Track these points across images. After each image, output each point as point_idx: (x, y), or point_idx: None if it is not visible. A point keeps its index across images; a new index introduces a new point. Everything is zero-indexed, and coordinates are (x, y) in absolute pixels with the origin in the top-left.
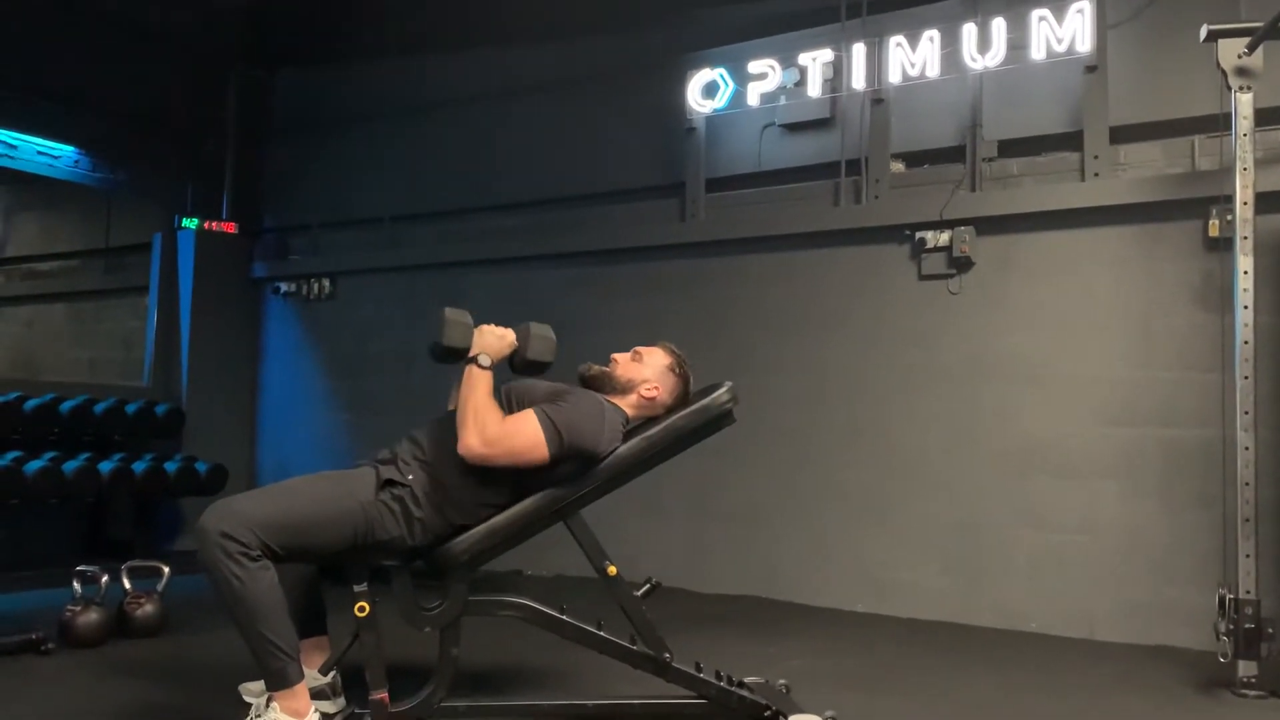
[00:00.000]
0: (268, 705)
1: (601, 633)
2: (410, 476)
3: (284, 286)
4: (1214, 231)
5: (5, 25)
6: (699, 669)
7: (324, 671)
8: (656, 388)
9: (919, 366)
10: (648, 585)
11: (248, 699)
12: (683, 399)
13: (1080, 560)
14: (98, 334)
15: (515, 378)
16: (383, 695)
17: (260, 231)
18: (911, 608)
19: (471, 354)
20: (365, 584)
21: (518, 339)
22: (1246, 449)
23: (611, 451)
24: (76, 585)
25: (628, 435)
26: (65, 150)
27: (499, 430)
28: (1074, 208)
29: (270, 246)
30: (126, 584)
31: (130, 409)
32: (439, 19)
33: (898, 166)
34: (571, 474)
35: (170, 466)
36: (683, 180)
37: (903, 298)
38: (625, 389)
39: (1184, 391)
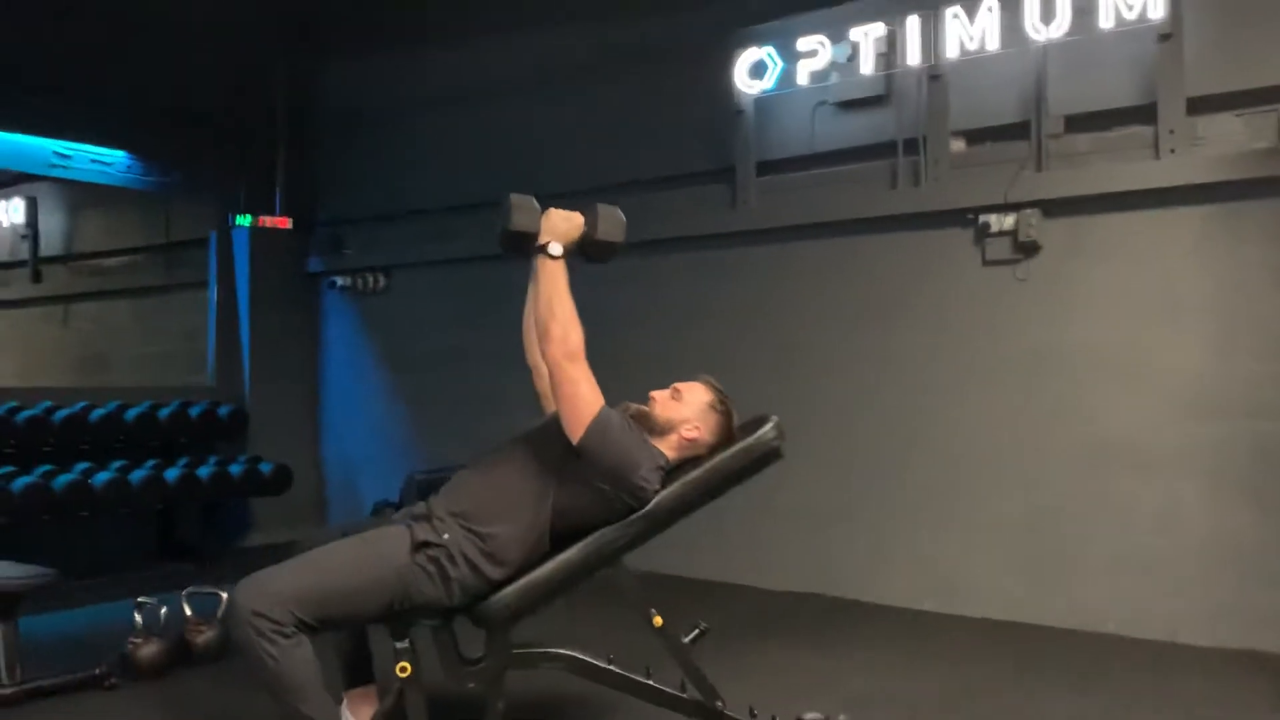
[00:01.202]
0: None
1: (650, 682)
2: (445, 535)
3: (339, 280)
4: None
5: (50, 35)
6: (753, 714)
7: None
8: (698, 428)
9: (984, 357)
10: (696, 631)
11: None
12: (726, 437)
13: (1160, 560)
14: (162, 329)
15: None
16: None
17: (313, 225)
18: (982, 607)
19: (540, 241)
20: (406, 641)
21: (586, 220)
22: None
23: (654, 493)
24: (137, 617)
25: (669, 477)
26: (117, 156)
27: (581, 350)
28: (1148, 188)
29: (324, 241)
30: (187, 611)
31: (194, 412)
32: (482, 3)
33: (958, 145)
34: (606, 511)
35: (235, 469)
36: (732, 164)
37: (966, 285)
38: (665, 430)
39: (1272, 383)
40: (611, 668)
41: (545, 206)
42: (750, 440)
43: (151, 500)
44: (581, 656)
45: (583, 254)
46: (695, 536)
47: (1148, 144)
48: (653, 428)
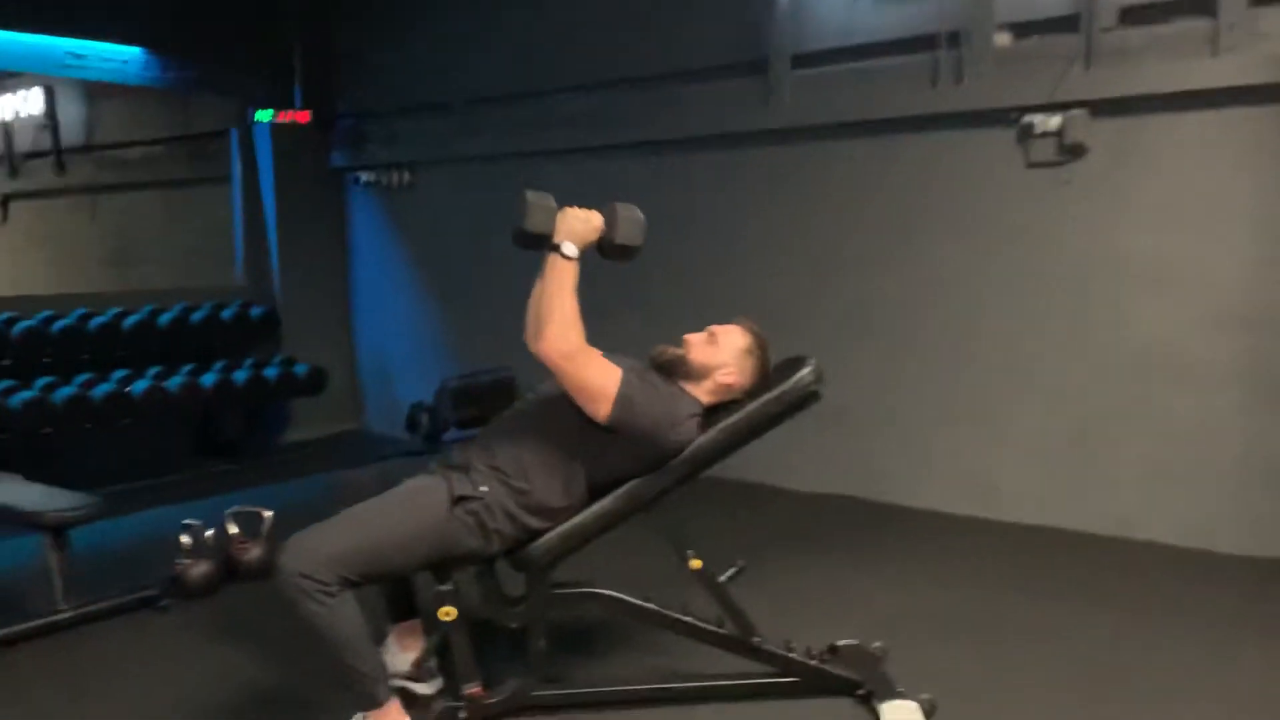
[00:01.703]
0: None
1: (688, 619)
2: (484, 489)
3: (364, 176)
4: None
5: None
6: (789, 648)
7: (416, 669)
8: (734, 373)
9: (1025, 264)
10: (733, 570)
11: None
12: (762, 381)
13: (1199, 469)
14: (190, 224)
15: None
16: (476, 690)
17: (334, 119)
18: (1017, 512)
19: (555, 241)
20: (450, 584)
21: (604, 221)
22: None
23: (687, 443)
24: (184, 538)
25: (705, 422)
26: (133, 52)
27: (580, 348)
28: (1204, 88)
29: (346, 135)
30: (232, 530)
31: (226, 315)
32: None
33: (1003, 39)
34: (642, 465)
35: (270, 373)
36: (765, 56)
37: (1009, 189)
38: (700, 375)
39: None
40: (650, 605)
41: (556, 200)
42: (788, 385)
43: (190, 407)
44: (620, 596)
45: (600, 253)
46: None
47: (1206, 39)
48: (687, 373)
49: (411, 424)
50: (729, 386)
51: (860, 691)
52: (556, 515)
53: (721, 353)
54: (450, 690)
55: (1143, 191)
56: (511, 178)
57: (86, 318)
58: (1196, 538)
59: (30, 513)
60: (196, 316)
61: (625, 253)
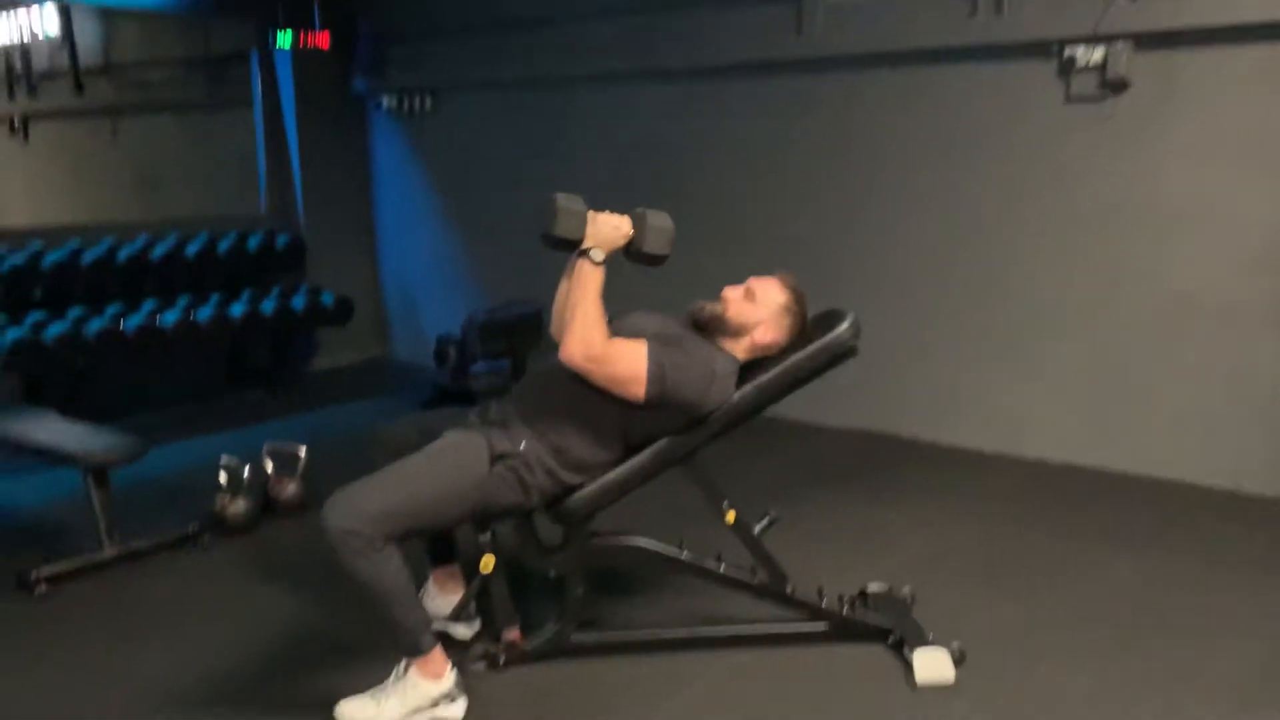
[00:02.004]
0: (405, 670)
1: (721, 569)
2: (522, 445)
3: (385, 102)
4: None
5: None
6: (821, 595)
7: (456, 614)
8: (772, 330)
9: (1062, 202)
10: (766, 520)
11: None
12: (799, 336)
13: (1229, 412)
14: (210, 149)
15: (634, 268)
16: (515, 635)
17: (355, 40)
18: (1043, 449)
19: (584, 246)
20: (489, 534)
21: (634, 228)
22: None
23: (724, 401)
24: (222, 476)
25: (742, 377)
26: None
27: (604, 349)
28: (1254, 21)
29: (367, 59)
30: (269, 467)
31: (252, 244)
32: None
33: None
34: (681, 425)
35: (298, 303)
36: None
37: (1047, 125)
38: (738, 332)
39: None
40: (684, 556)
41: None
42: (826, 340)
43: (219, 337)
44: (656, 547)
45: (626, 257)
46: None
47: None
48: (725, 329)
49: (440, 357)
50: (766, 344)
51: (891, 639)
52: (594, 471)
53: (759, 310)
54: (488, 634)
55: (1185, 129)
56: (538, 106)
57: (114, 249)
58: (1223, 478)
59: (74, 454)
60: (223, 246)
61: (652, 261)
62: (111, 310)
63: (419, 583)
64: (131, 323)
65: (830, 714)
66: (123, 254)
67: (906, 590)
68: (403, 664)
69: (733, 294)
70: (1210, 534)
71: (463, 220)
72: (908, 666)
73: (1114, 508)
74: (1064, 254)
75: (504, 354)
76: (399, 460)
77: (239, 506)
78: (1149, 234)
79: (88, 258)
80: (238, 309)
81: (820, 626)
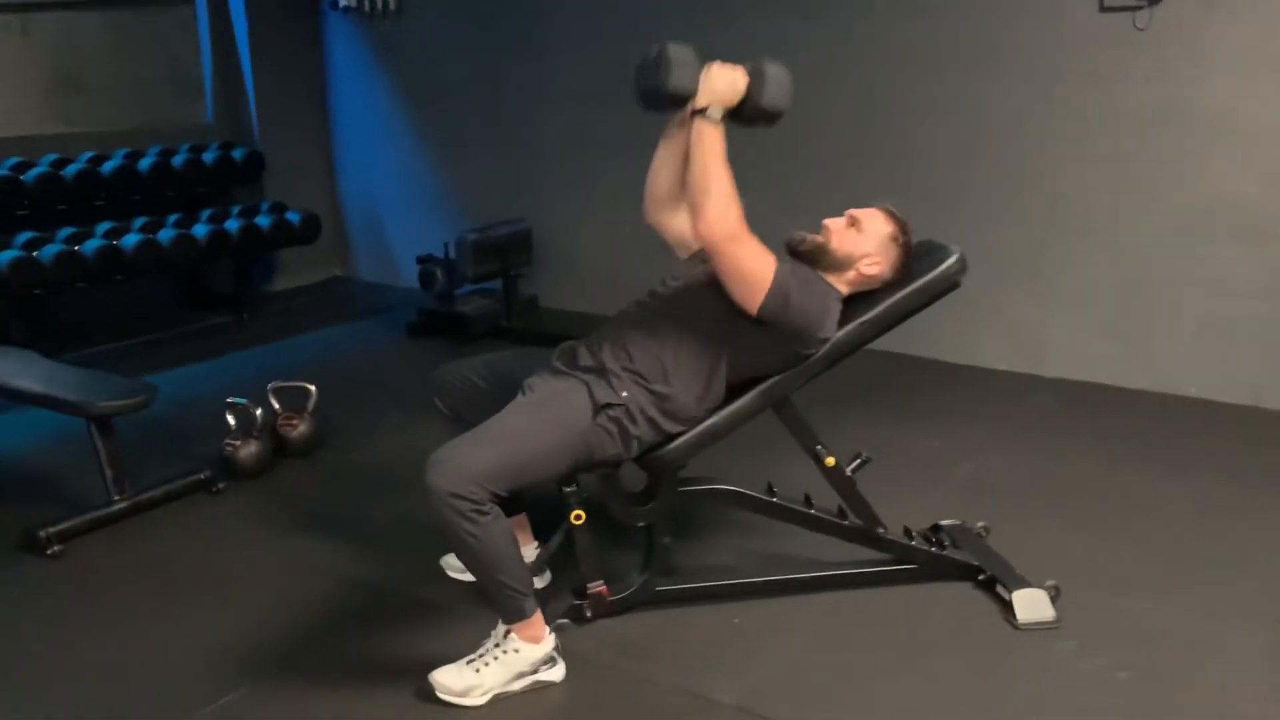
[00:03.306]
0: (506, 636)
1: (813, 511)
2: (625, 394)
3: (343, 1)
4: None
5: None
6: (910, 535)
7: (537, 571)
8: (878, 263)
9: (1093, 113)
10: (858, 461)
11: (453, 574)
12: (905, 272)
13: (1254, 327)
14: (142, 50)
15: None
16: (600, 588)
17: None
18: (1063, 368)
19: (700, 104)
20: (574, 485)
21: (751, 82)
22: None
23: (829, 338)
24: (230, 418)
25: (843, 315)
26: None
27: (741, 229)
28: None
29: None
30: (275, 406)
31: (208, 158)
32: None
33: None
34: (785, 361)
35: (262, 221)
36: None
37: (1079, 32)
38: (843, 265)
39: None
40: (776, 500)
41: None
42: (934, 275)
43: (183, 260)
44: (747, 492)
45: (736, 117)
46: None
47: None
48: (829, 263)
49: (426, 280)
50: (872, 277)
51: (981, 577)
52: (694, 418)
53: (866, 241)
54: (572, 588)
55: (1222, 40)
56: (515, 8)
57: (61, 164)
58: (1243, 394)
59: (78, 403)
60: (177, 160)
61: (769, 118)
62: (64, 233)
63: None
64: (90, 246)
65: (939, 657)
66: (70, 170)
67: (980, 525)
68: (502, 629)
69: (835, 224)
70: (1247, 453)
71: (432, 132)
72: (1003, 605)
73: (1145, 427)
74: (1090, 167)
75: (494, 274)
76: (498, 414)
77: (251, 449)
78: (1181, 147)
79: (32, 175)
80: (201, 229)
81: (909, 567)
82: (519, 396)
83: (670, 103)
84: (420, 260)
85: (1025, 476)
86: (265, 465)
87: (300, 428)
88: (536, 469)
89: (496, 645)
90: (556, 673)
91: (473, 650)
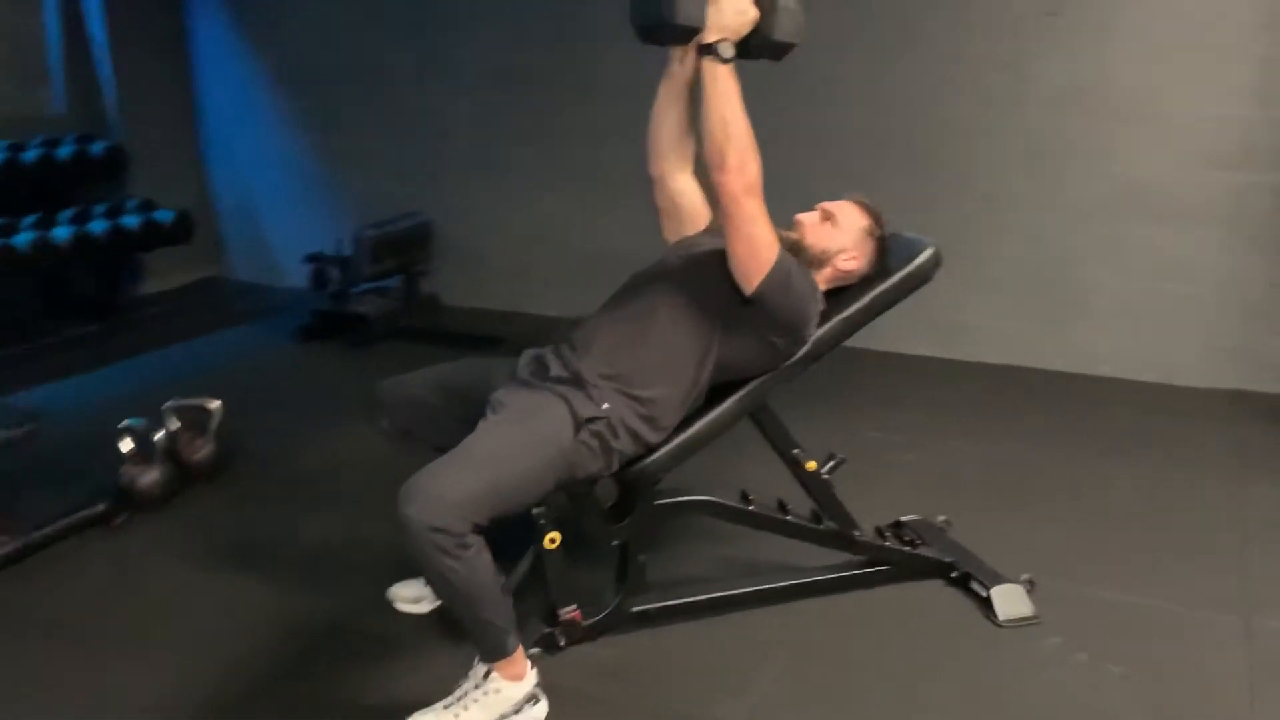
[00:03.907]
0: (486, 676)
1: (790, 518)
2: (605, 405)
3: None
4: None
5: None
6: (882, 535)
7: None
8: (855, 257)
9: (1004, 96)
10: (832, 462)
11: (402, 607)
12: (880, 265)
13: (1166, 307)
14: None
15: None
16: (574, 614)
17: None
18: (982, 352)
19: (709, 38)
20: (543, 506)
21: (763, 12)
22: None
23: (812, 336)
24: (125, 442)
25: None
26: None
27: (760, 184)
28: None
29: None
30: (173, 426)
31: (63, 153)
32: None
33: None
34: (767, 360)
35: (130, 221)
36: None
37: (989, 16)
38: (820, 261)
39: None
40: (753, 508)
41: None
42: (910, 270)
43: (42, 264)
44: (724, 501)
45: (744, 51)
46: None
47: None
48: (804, 259)
49: (319, 280)
50: (849, 273)
51: (954, 574)
52: (670, 427)
53: (842, 235)
54: (543, 615)
55: (1134, 24)
56: None
57: None
58: (1156, 373)
59: None
60: (28, 156)
61: (778, 52)
62: None
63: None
64: None
65: (934, 661)
66: None
67: (942, 519)
68: (481, 668)
69: (808, 218)
70: (1169, 431)
71: (315, 119)
72: (980, 601)
73: (1070, 408)
74: (1007, 152)
75: (393, 272)
76: (471, 436)
77: (152, 476)
78: (1095, 131)
79: None
80: (62, 232)
81: (884, 568)
82: (489, 414)
83: (677, 36)
84: (310, 259)
85: (969, 464)
86: (169, 492)
87: (204, 448)
88: (520, 493)
89: (476, 686)
90: (540, 710)
91: (445, 691)
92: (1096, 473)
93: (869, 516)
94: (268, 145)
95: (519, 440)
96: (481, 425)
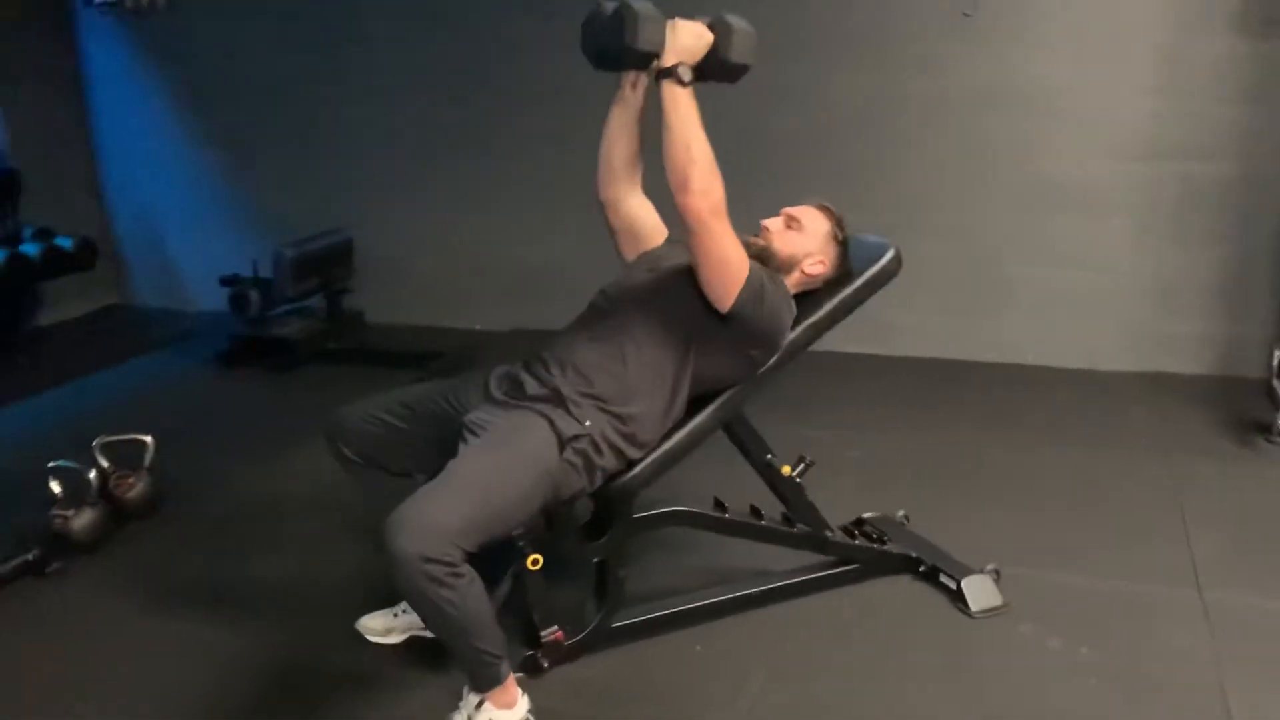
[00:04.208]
0: (479, 706)
1: (764, 523)
2: (587, 423)
3: None
4: None
5: None
6: (853, 535)
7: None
8: (821, 262)
9: (925, 96)
10: (802, 465)
11: (373, 639)
12: (844, 268)
13: (1086, 295)
14: None
15: None
16: (556, 634)
17: None
18: (909, 346)
19: (668, 63)
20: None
21: (717, 35)
22: None
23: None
24: (55, 485)
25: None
26: None
27: (724, 205)
28: None
29: None
30: (103, 464)
31: None
32: None
33: None
34: (741, 371)
35: (29, 249)
36: None
37: (909, 19)
38: (788, 267)
39: (1209, 125)
40: (728, 516)
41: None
42: (876, 271)
43: None
44: (702, 511)
45: (699, 73)
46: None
47: None
48: (772, 266)
49: (238, 303)
50: (814, 277)
51: (922, 569)
52: (651, 441)
53: (807, 240)
54: (524, 638)
55: (1047, 22)
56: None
57: None
58: (1078, 359)
59: None
60: None
61: (733, 74)
62: None
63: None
64: None
65: (914, 656)
66: None
67: (901, 513)
68: (473, 698)
69: (774, 225)
70: (1095, 416)
71: (220, 138)
72: (949, 593)
73: (999, 397)
74: (927, 150)
75: (314, 291)
76: (453, 462)
77: (86, 519)
78: (1012, 127)
79: None
80: None
81: (855, 566)
82: (469, 437)
83: (636, 61)
84: (227, 281)
85: (912, 457)
86: (104, 534)
87: (138, 486)
88: (509, 517)
89: (469, 718)
90: None
91: None
92: (1036, 458)
93: (828, 516)
94: (173, 167)
95: (505, 463)
96: (463, 450)
